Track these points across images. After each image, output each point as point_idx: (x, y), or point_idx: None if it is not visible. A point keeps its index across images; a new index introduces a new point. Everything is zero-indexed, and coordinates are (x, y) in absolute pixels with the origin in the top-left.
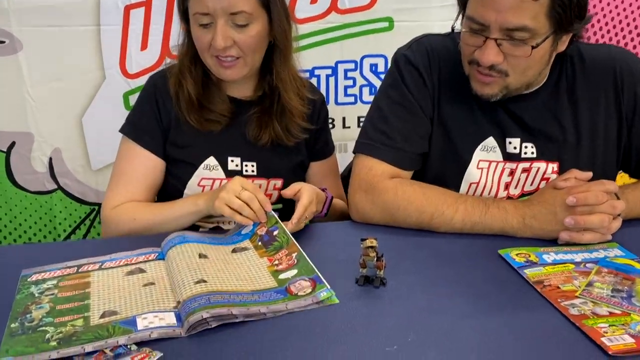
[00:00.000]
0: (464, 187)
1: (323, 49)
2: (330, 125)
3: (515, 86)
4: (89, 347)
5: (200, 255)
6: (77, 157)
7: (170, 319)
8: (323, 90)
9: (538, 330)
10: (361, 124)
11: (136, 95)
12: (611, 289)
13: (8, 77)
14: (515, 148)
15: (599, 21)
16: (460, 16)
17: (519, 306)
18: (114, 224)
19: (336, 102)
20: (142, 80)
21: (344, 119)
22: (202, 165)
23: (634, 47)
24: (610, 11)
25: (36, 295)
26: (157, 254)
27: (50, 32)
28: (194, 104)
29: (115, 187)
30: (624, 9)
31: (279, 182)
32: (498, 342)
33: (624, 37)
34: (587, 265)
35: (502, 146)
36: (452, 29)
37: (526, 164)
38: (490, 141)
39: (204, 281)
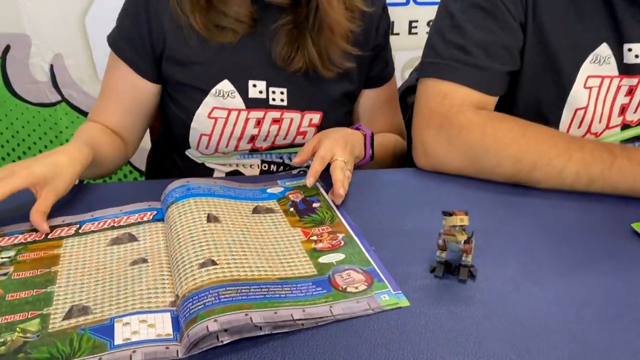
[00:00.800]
0: (566, 115)
1: None
2: None
3: None
4: None
5: (210, 218)
6: (82, 65)
7: (165, 325)
8: None
9: None
10: (413, 32)
11: None
12: None
13: None
14: (637, 57)
15: None
16: None
17: None
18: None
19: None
20: None
21: (392, 23)
22: (213, 91)
23: None
24: None
25: None
26: (154, 212)
27: None
28: (199, 0)
29: (98, 101)
30: None
31: (316, 117)
32: None
33: None
34: None
35: (619, 55)
36: None
37: None
38: (604, 49)
39: (213, 262)
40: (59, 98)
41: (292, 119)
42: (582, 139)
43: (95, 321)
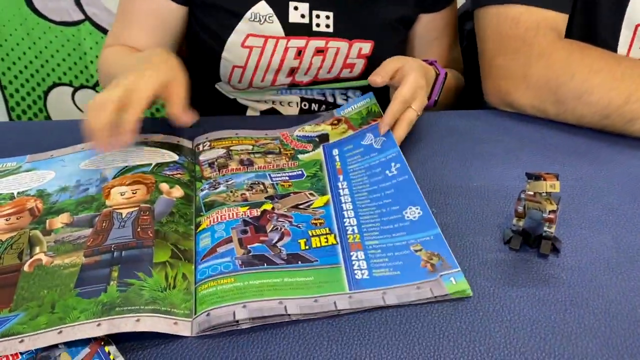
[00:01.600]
0: (625, 32)
1: None
2: None
3: None
4: None
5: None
6: None
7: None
8: None
9: None
10: None
11: None
12: None
13: None
14: None
15: None
16: None
17: None
18: (99, 68)
19: None
20: None
21: None
22: (248, 14)
23: None
24: None
25: None
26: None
27: None
28: None
29: (115, 26)
30: None
31: (366, 47)
32: None
33: None
34: None
35: None
36: None
37: None
38: None
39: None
40: (82, 17)
41: (338, 49)
42: None
43: None
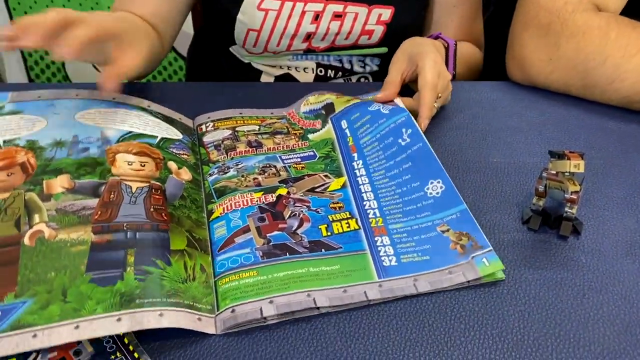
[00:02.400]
0: None
1: None
2: None
3: None
4: None
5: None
6: None
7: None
8: None
9: None
10: None
11: None
12: None
13: None
14: None
15: None
16: None
17: None
18: None
19: None
20: None
21: None
22: None
23: None
24: None
25: None
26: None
27: None
28: None
29: None
30: None
31: (386, 13)
32: None
33: None
34: None
35: None
36: None
37: None
38: None
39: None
40: None
41: (356, 15)
42: None
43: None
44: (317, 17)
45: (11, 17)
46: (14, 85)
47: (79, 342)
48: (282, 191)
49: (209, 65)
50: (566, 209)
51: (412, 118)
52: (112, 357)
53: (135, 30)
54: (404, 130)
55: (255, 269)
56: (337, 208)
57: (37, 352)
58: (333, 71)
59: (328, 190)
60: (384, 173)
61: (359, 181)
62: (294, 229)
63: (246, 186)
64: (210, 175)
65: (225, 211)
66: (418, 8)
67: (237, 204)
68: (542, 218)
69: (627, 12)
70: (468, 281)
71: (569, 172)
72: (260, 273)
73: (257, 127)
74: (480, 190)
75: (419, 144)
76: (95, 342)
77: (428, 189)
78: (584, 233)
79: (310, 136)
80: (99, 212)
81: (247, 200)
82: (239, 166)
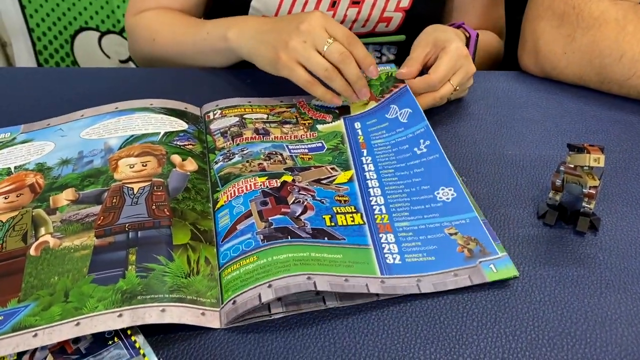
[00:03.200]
0: None
1: None
2: None
3: None
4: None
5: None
6: None
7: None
8: None
9: None
10: None
11: None
12: None
13: None
14: None
15: None
16: None
17: None
18: (135, 38)
19: None
20: None
21: None
22: None
23: None
24: None
25: None
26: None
27: None
28: None
29: None
30: None
31: (405, 0)
32: None
33: None
34: None
35: None
36: None
37: None
38: None
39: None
40: None
41: (375, 1)
42: None
43: None
44: (334, 3)
45: (24, 14)
46: (26, 120)
47: None
48: (287, 178)
49: None
50: (583, 204)
51: (431, 129)
52: (110, 342)
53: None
54: (421, 140)
55: (256, 253)
56: (343, 201)
57: None
58: None
59: (334, 183)
60: (393, 172)
61: (366, 176)
62: (297, 214)
63: (250, 171)
64: (216, 163)
65: (229, 199)
66: None
67: (240, 189)
68: (559, 213)
69: None
70: (472, 283)
71: (589, 166)
72: (260, 257)
73: (265, 116)
74: (495, 184)
75: (436, 155)
76: None
77: (438, 193)
78: (601, 229)
79: (319, 127)
80: (102, 217)
81: (250, 185)
82: (244, 152)
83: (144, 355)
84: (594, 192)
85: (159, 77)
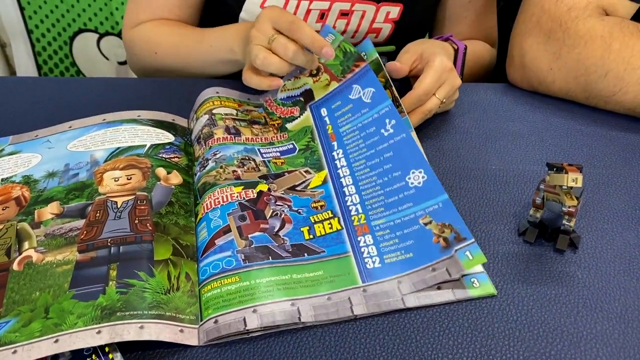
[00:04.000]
0: None
1: None
2: None
3: None
4: None
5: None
6: None
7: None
8: None
9: None
10: None
11: None
12: None
13: None
14: None
15: None
16: None
17: None
18: (134, 51)
19: None
20: None
21: None
22: None
23: None
24: None
25: None
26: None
27: None
28: None
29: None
30: None
31: (395, 10)
32: None
33: None
34: None
35: None
36: None
37: None
38: None
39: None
40: None
41: (364, 13)
42: None
43: None
44: (322, 15)
45: (23, 15)
46: (15, 131)
47: None
48: (263, 187)
49: None
50: (564, 221)
51: (395, 108)
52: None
53: None
54: (387, 120)
55: (238, 274)
56: (319, 207)
57: None
58: None
59: (309, 187)
60: (364, 162)
61: (339, 173)
62: (275, 230)
63: (225, 179)
64: (195, 174)
65: (206, 211)
66: (428, 5)
67: (216, 200)
68: (539, 230)
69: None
70: (451, 276)
71: (567, 186)
72: (243, 278)
73: (234, 112)
74: (477, 199)
75: (402, 134)
76: None
77: (410, 178)
78: (581, 247)
79: (288, 126)
80: (85, 232)
81: (226, 195)
82: (217, 156)
83: None
84: (574, 211)
85: (149, 88)
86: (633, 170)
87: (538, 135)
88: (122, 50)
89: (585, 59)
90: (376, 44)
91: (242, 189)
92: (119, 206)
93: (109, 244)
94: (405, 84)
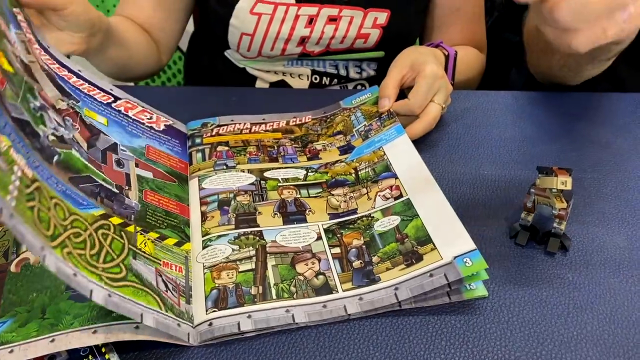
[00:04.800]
0: None
1: None
2: None
3: None
4: None
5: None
6: None
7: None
8: None
9: None
10: None
11: None
12: None
13: None
14: None
15: None
16: None
17: None
18: None
19: None
20: None
21: None
22: None
23: None
24: None
25: None
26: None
27: None
28: None
29: None
30: None
31: (382, 16)
32: None
33: None
34: None
35: None
36: None
37: None
38: None
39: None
40: None
41: (352, 18)
42: None
43: None
44: (311, 20)
45: None
46: None
47: None
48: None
49: (206, 67)
50: (554, 224)
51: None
52: None
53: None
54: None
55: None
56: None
57: None
58: (328, 78)
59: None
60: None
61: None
62: None
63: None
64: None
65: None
66: (415, 12)
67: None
68: (530, 233)
69: None
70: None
71: (556, 189)
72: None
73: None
74: (470, 202)
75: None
76: None
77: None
78: (571, 249)
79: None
80: None
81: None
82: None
83: None
84: (564, 214)
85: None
86: (622, 175)
87: (530, 141)
88: None
89: None
90: (365, 49)
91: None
92: None
93: None
94: (400, 94)
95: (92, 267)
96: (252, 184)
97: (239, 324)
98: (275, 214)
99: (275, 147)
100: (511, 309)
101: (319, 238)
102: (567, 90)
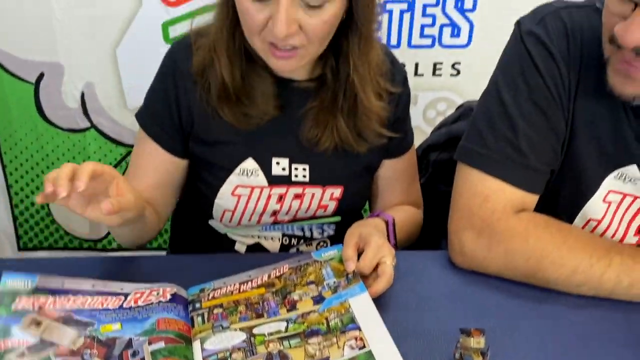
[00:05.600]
0: (578, 222)
1: None
2: None
3: None
4: None
5: None
6: (111, 93)
7: None
8: (395, 30)
9: None
10: (438, 73)
11: (177, 28)
12: None
13: None
14: None
15: None
16: None
17: None
18: None
19: (409, 45)
20: (184, 10)
21: (416, 65)
22: (237, 170)
23: None
24: None
25: None
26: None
27: None
28: (229, 94)
29: (129, 174)
30: None
31: (337, 191)
32: None
33: None
34: None
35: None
36: None
37: None
38: (634, 170)
39: None
40: (88, 124)
41: (313, 194)
42: (619, 244)
43: None
44: (281, 198)
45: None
46: None
47: None
48: None
49: (190, 235)
50: None
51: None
52: None
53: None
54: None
55: None
56: None
57: None
58: (296, 239)
59: None
60: None
61: None
62: None
63: None
64: None
65: None
66: (364, 185)
67: None
68: None
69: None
70: None
71: (474, 347)
72: None
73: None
74: (414, 355)
75: None
76: None
77: None
78: None
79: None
80: None
81: None
82: None
83: None
84: None
85: (132, 264)
86: (533, 323)
87: (466, 297)
88: None
89: (511, 250)
90: (324, 216)
91: None
92: None
93: None
94: None
95: None
96: (244, 341)
97: None
98: None
99: (260, 303)
100: None
101: None
102: None
